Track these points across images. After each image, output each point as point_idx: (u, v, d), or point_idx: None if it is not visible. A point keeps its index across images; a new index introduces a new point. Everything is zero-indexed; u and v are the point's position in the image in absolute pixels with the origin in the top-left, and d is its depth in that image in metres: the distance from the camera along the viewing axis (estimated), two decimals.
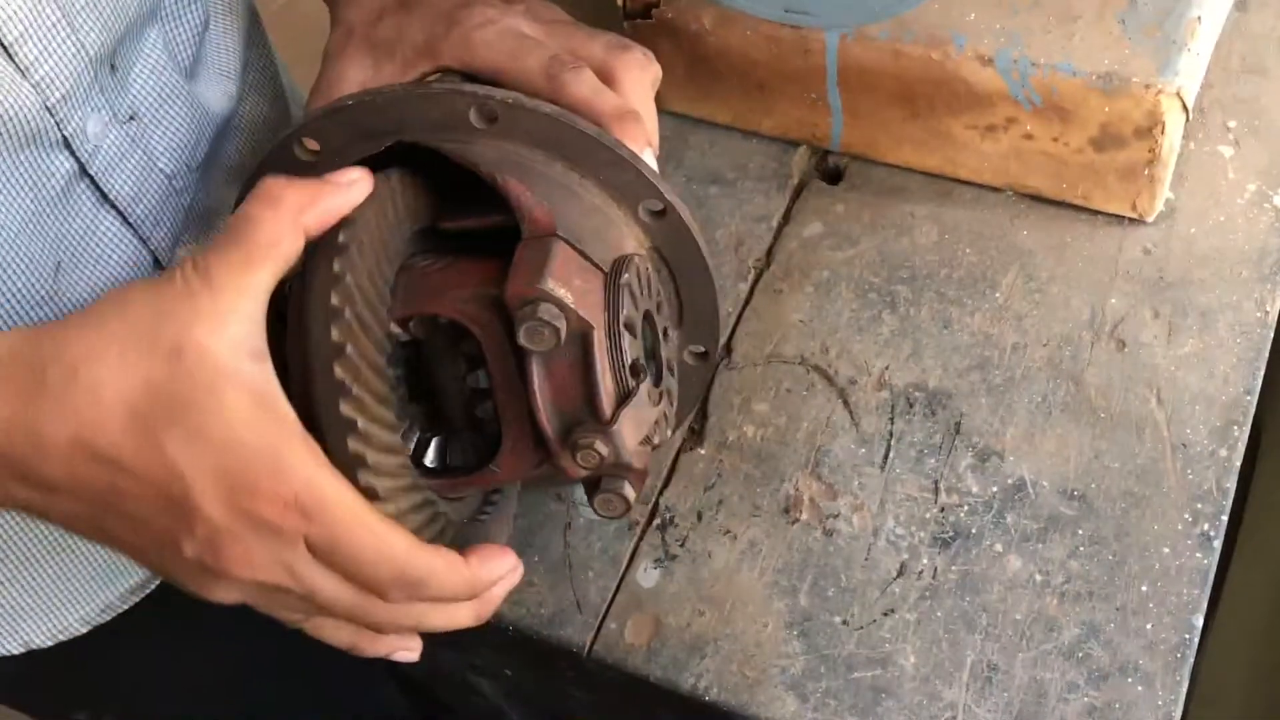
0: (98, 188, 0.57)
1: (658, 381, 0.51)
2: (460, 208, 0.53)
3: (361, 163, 0.51)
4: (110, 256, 0.59)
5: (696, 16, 0.72)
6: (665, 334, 0.54)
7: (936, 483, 0.63)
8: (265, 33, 0.73)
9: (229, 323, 0.42)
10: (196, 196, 0.64)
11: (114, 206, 0.58)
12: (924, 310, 0.69)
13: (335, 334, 0.44)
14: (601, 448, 0.47)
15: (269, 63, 0.72)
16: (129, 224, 0.59)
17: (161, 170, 0.61)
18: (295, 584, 0.43)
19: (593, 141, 0.52)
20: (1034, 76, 0.65)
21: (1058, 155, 0.68)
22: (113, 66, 0.56)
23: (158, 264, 0.62)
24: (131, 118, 0.58)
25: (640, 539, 0.64)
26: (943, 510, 0.62)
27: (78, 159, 0.55)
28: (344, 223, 0.47)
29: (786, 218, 0.74)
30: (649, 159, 0.54)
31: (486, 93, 0.51)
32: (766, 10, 0.68)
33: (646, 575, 0.63)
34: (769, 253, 0.73)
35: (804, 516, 0.63)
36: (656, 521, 0.64)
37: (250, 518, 0.41)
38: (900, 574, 0.61)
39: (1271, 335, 0.65)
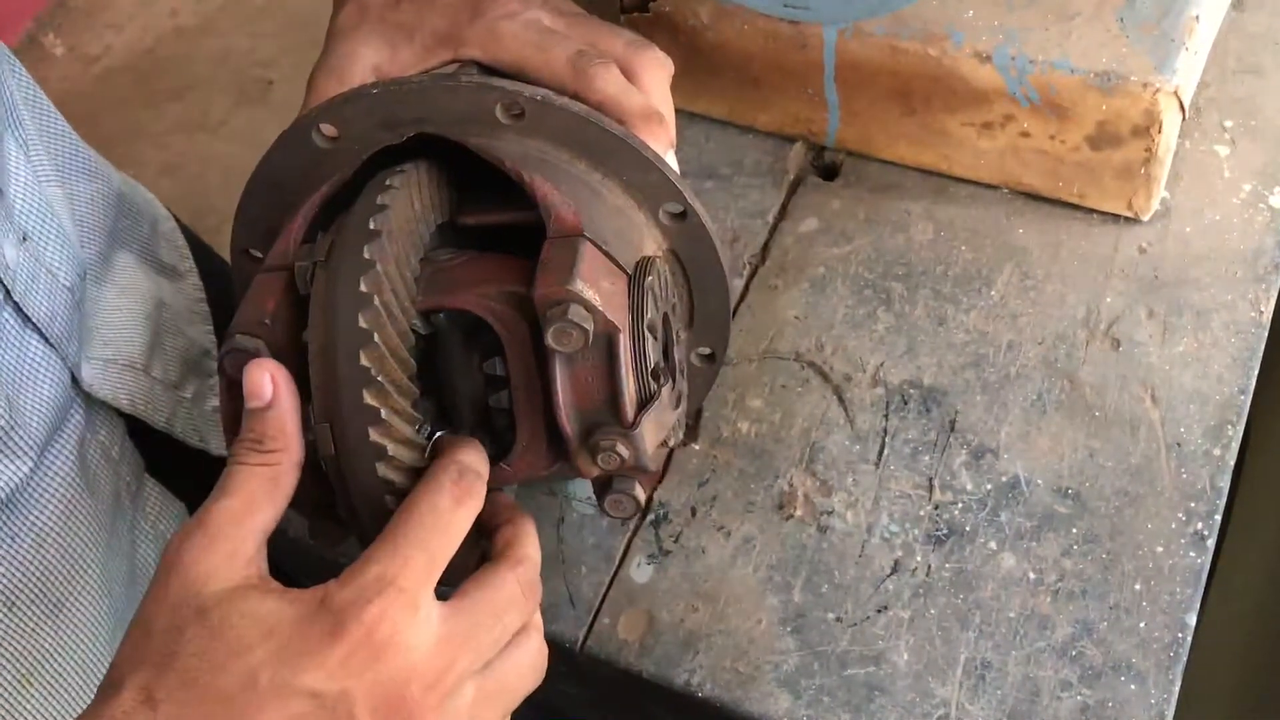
0: (20, 311, 0.57)
1: (673, 384, 0.51)
2: (477, 202, 0.52)
3: (381, 152, 0.50)
4: (41, 380, 0.59)
5: (694, 11, 0.71)
6: (678, 336, 0.54)
7: (931, 480, 0.63)
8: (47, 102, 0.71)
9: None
10: (92, 309, 0.64)
11: (36, 328, 0.58)
12: (919, 307, 0.69)
13: (363, 321, 0.44)
14: (623, 450, 0.47)
15: (64, 128, 0.71)
16: (50, 344, 0.59)
17: (64, 285, 0.61)
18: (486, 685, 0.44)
19: (619, 142, 0.51)
20: (1031, 74, 0.65)
21: (1054, 153, 0.68)
22: (0, 191, 0.57)
23: (75, 381, 0.62)
24: (25, 238, 0.59)
25: (634, 534, 0.64)
26: (937, 507, 0.62)
27: (4, 285, 0.56)
28: (375, 210, 0.46)
29: (782, 213, 0.74)
30: (671, 160, 0.54)
31: (515, 88, 0.51)
32: (764, 5, 0.68)
33: (640, 570, 0.63)
34: (764, 248, 0.73)
35: (798, 513, 0.63)
36: (650, 517, 0.64)
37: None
38: (894, 571, 0.61)
39: (1266, 335, 0.65)
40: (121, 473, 0.67)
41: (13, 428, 0.57)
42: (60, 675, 0.60)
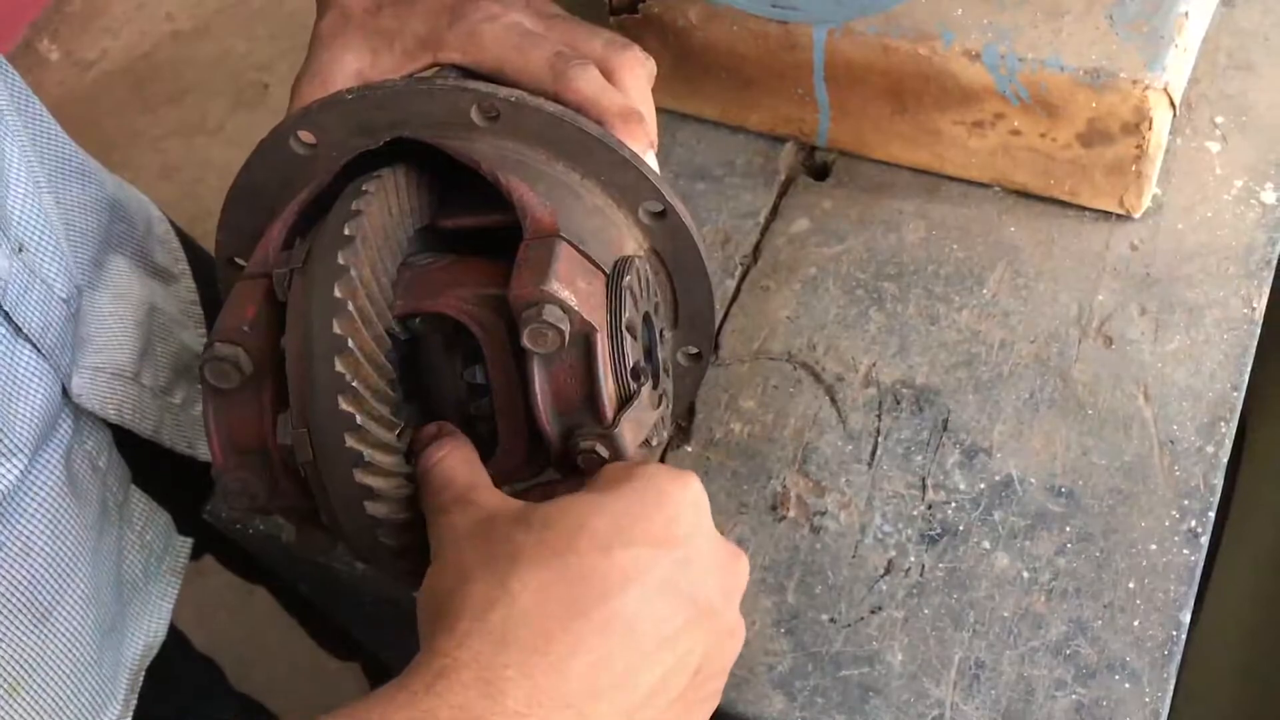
0: (11, 322, 0.57)
1: (655, 383, 0.51)
2: (458, 206, 0.52)
3: (359, 158, 0.50)
4: (32, 390, 0.59)
5: (683, 11, 0.71)
6: (661, 335, 0.54)
7: (924, 480, 0.63)
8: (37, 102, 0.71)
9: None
10: (84, 316, 0.64)
11: (27, 339, 0.58)
12: (911, 307, 0.69)
13: (337, 327, 0.44)
14: (602, 450, 0.47)
15: (56, 132, 0.71)
16: (41, 354, 0.59)
17: (59, 297, 0.61)
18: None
19: (595, 142, 0.51)
20: (1021, 72, 0.64)
21: (1045, 151, 0.68)
22: None
23: (65, 393, 0.62)
24: (21, 249, 0.59)
25: None
26: (930, 507, 0.62)
27: None
28: (349, 216, 0.46)
29: (774, 214, 0.74)
30: (650, 160, 0.54)
31: (490, 90, 0.51)
32: (753, 5, 0.68)
33: None
34: (756, 249, 0.73)
35: (791, 514, 0.63)
36: None
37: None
38: (888, 571, 0.61)
39: (1258, 331, 0.65)
40: (108, 483, 0.67)
41: (0, 437, 0.57)
42: (46, 685, 0.60)
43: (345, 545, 0.48)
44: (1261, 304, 0.66)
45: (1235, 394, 0.63)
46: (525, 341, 0.45)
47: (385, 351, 0.46)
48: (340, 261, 0.45)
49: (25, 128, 0.66)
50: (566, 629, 0.40)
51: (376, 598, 0.66)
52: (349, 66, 0.57)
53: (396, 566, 0.48)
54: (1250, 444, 0.77)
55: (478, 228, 0.51)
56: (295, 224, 0.50)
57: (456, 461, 0.46)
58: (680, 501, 0.44)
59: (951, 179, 0.73)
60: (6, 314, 0.57)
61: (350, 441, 0.44)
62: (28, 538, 0.59)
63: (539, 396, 0.46)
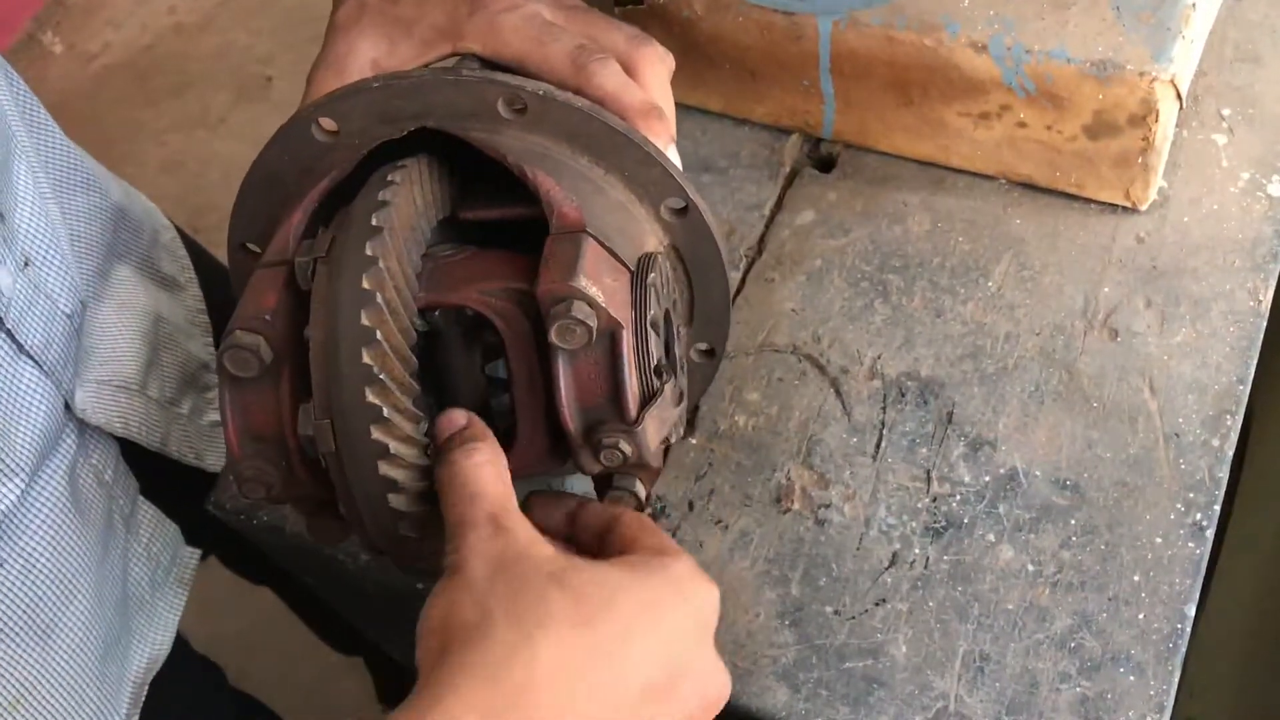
0: (13, 339, 0.57)
1: (675, 380, 0.51)
2: (478, 197, 0.52)
3: (381, 147, 0.50)
4: (33, 407, 0.58)
5: (688, 2, 0.71)
6: (678, 332, 0.54)
7: (928, 472, 0.63)
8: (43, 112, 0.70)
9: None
10: (88, 329, 0.64)
11: (29, 356, 0.58)
12: (916, 299, 0.68)
13: (365, 319, 0.43)
14: (625, 447, 0.47)
15: (61, 139, 0.70)
16: (44, 371, 0.59)
17: (63, 312, 0.61)
18: None
19: (621, 138, 0.51)
20: (1027, 63, 0.64)
21: (1051, 143, 0.68)
22: (1, 216, 0.56)
23: (68, 408, 0.61)
24: (27, 264, 0.58)
25: None
26: (935, 500, 0.62)
27: None
28: (377, 206, 0.46)
29: (779, 206, 0.74)
30: (673, 156, 0.54)
31: (519, 83, 0.51)
32: None
33: None
34: (761, 241, 0.73)
35: (795, 506, 0.63)
36: (648, 511, 0.64)
37: None
38: (892, 564, 0.61)
39: (1264, 324, 0.65)
40: (115, 495, 0.66)
41: (0, 455, 0.56)
42: (47, 701, 0.60)
43: (361, 537, 0.48)
44: (1268, 297, 0.66)
45: (1241, 387, 0.63)
46: (553, 337, 0.45)
47: (410, 344, 0.46)
48: (369, 253, 0.44)
49: (30, 135, 0.66)
50: (574, 704, 0.41)
51: (382, 590, 0.66)
52: (365, 55, 0.56)
53: (415, 559, 0.48)
54: (1255, 437, 0.77)
55: (500, 220, 0.51)
56: (316, 212, 0.50)
57: (493, 474, 0.46)
58: (702, 608, 0.46)
59: (957, 171, 0.72)
60: (9, 331, 0.56)
61: (376, 434, 0.43)
62: (29, 556, 0.59)
63: (563, 392, 0.46)
